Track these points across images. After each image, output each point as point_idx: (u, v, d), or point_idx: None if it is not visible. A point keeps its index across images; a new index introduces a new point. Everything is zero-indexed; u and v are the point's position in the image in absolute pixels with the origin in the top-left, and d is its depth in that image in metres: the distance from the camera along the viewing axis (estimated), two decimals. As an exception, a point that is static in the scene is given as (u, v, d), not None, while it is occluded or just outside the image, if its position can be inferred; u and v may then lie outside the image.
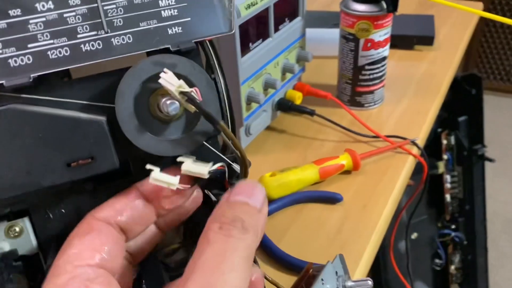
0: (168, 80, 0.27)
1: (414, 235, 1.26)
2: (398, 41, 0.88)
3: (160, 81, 0.27)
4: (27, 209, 0.30)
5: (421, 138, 0.67)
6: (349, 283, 0.37)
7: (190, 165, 0.29)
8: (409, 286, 1.05)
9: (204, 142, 0.31)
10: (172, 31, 0.29)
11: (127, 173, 0.32)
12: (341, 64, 0.72)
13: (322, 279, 0.35)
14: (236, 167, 0.32)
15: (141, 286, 0.37)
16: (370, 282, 0.36)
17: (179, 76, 0.28)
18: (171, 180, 0.28)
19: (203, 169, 0.29)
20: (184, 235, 0.38)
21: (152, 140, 0.29)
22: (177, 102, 0.27)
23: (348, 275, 0.38)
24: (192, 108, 0.28)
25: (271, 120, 0.68)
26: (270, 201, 0.55)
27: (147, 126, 0.29)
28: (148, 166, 0.28)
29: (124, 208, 0.28)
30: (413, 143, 0.64)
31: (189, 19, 0.29)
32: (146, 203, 0.29)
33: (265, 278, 0.36)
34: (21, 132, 0.26)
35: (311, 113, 0.67)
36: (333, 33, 0.78)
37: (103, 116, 0.28)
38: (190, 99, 0.27)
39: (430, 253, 1.31)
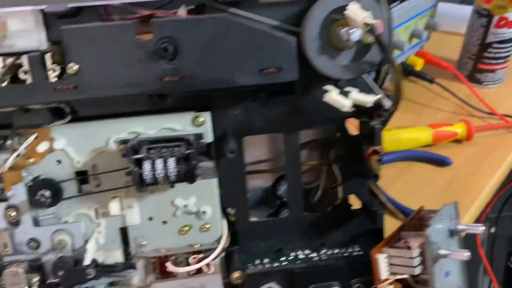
0: (356, 11, 0.32)
1: (493, 229, 1.24)
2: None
3: (346, 12, 0.32)
4: (210, 106, 0.37)
5: (539, 123, 0.66)
6: (461, 226, 0.41)
7: (359, 94, 0.34)
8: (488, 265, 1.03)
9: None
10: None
11: (290, 92, 0.38)
12: (467, 38, 0.72)
13: (440, 215, 0.39)
14: (388, 102, 0.36)
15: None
16: (482, 228, 0.40)
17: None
18: (345, 102, 0.33)
19: (369, 98, 0.34)
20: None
21: (328, 62, 0.34)
22: (360, 30, 0.32)
23: (459, 220, 0.42)
24: (368, 40, 0.33)
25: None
26: (381, 153, 0.60)
27: (325, 51, 0.34)
28: (327, 87, 0.33)
29: None
30: (530, 125, 0.64)
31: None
32: None
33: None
34: (228, 37, 0.32)
35: (431, 80, 0.69)
36: (460, 9, 0.78)
37: (292, 36, 0.33)
38: (372, 29, 0.31)
39: (507, 250, 1.28)
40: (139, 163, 0.33)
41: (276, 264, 0.38)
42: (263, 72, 0.33)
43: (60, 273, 0.36)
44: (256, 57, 0.33)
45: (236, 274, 0.38)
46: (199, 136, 0.36)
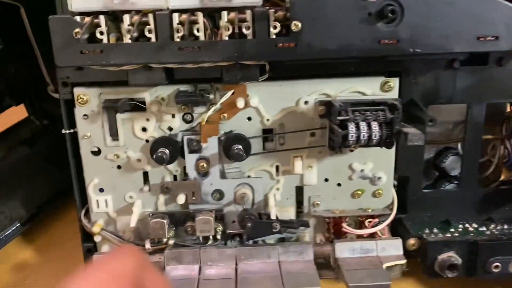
0: None
1: None
2: None
3: None
4: (399, 71, 0.37)
5: None
6: None
7: None
8: None
9: None
10: None
11: (483, 63, 0.37)
12: None
13: None
14: None
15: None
16: None
17: None
18: None
19: None
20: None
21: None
22: None
23: None
24: None
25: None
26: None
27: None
28: None
29: None
30: None
31: None
32: None
33: None
34: (452, 2, 0.32)
35: None
36: None
37: None
38: None
39: None
40: (342, 124, 0.34)
41: (453, 235, 0.38)
42: (479, 40, 0.33)
43: (248, 224, 0.37)
44: (476, 24, 0.32)
45: (412, 241, 0.38)
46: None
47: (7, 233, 0.45)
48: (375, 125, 0.34)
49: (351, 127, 0.34)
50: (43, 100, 0.55)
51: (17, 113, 0.55)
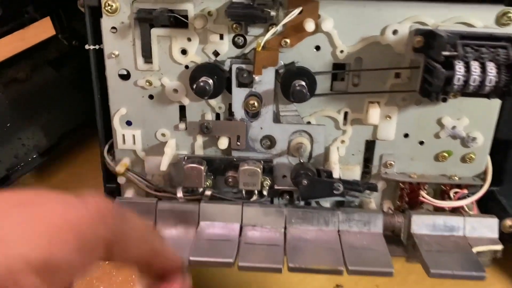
0: None
1: None
2: None
3: None
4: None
5: None
6: None
7: None
8: None
9: None
10: None
11: None
12: None
13: None
14: None
15: None
16: None
17: None
18: None
19: None
20: None
21: None
22: None
23: None
24: None
25: None
26: None
27: None
28: None
29: None
30: None
31: None
32: None
33: None
34: None
35: None
36: None
37: None
38: None
39: None
40: (447, 63, 0.25)
41: None
42: None
43: (304, 181, 0.30)
44: None
45: (509, 222, 0.30)
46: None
47: (23, 163, 0.40)
48: (491, 67, 0.25)
49: (459, 67, 0.25)
50: (72, 18, 0.48)
51: (44, 30, 0.48)
